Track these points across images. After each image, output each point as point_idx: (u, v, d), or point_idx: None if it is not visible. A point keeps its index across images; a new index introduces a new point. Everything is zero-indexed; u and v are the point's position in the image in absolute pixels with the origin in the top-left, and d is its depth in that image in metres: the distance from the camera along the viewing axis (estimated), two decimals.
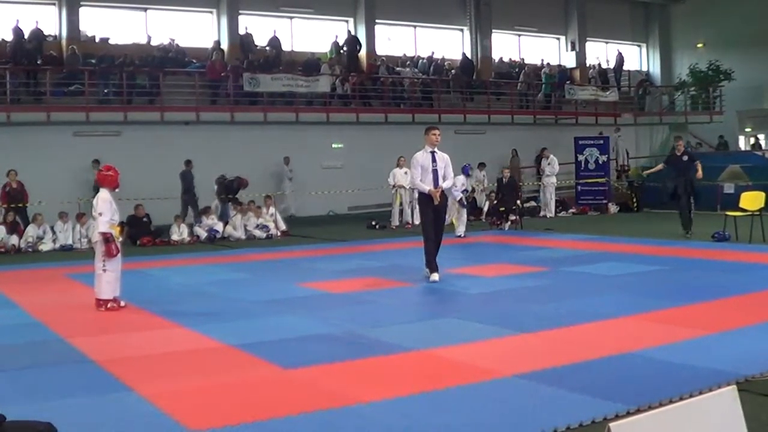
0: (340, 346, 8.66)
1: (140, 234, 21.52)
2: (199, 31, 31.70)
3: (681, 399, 5.98)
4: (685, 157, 19.68)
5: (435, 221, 13.68)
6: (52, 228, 21.04)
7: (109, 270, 11.34)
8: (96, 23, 29.84)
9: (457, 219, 21.71)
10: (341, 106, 31.69)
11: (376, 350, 8.43)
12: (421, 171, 13.59)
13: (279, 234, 22.91)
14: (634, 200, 29.78)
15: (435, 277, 13.44)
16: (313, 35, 34.16)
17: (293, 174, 29.26)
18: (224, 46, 30.99)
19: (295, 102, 29.94)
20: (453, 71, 35.65)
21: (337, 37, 33.97)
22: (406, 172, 25.08)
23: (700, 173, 19.48)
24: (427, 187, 13.48)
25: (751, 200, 19.03)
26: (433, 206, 13.57)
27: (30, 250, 20.34)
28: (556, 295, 11.84)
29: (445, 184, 13.77)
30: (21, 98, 26.03)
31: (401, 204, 25.57)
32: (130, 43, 29.98)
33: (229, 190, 25.06)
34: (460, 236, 21.04)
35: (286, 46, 32.85)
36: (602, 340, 8.63)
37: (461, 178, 22.23)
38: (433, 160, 13.60)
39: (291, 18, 33.86)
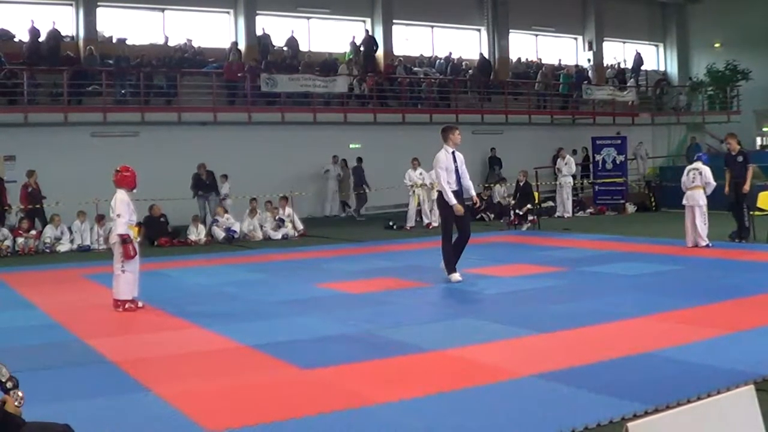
0: (357, 347, 8.67)
1: (158, 234, 21.55)
2: (216, 32, 31.80)
3: (699, 399, 5.95)
4: (740, 158, 18.00)
5: (457, 219, 13.54)
6: (69, 228, 21.11)
7: (128, 271, 11.37)
8: (113, 24, 29.99)
9: None
10: (358, 106, 31.71)
11: (393, 351, 8.42)
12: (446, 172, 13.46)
13: (296, 235, 22.90)
14: (652, 200, 29.68)
15: (457, 277, 13.33)
16: (330, 35, 34.23)
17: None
18: (241, 46, 31.08)
19: (313, 102, 29.99)
20: (470, 71, 35.62)
21: (354, 37, 33.99)
22: (420, 174, 25.08)
23: (747, 186, 17.66)
24: (454, 200, 13.22)
25: None
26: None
27: (47, 251, 20.42)
28: (573, 295, 11.81)
29: (472, 192, 14.03)
30: (38, 99, 26.15)
31: (419, 204, 25.48)
32: (148, 43, 30.12)
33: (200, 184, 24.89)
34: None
35: (303, 47, 32.91)
36: (620, 340, 8.60)
37: None
38: (454, 160, 13.51)
39: (308, 18, 33.94)
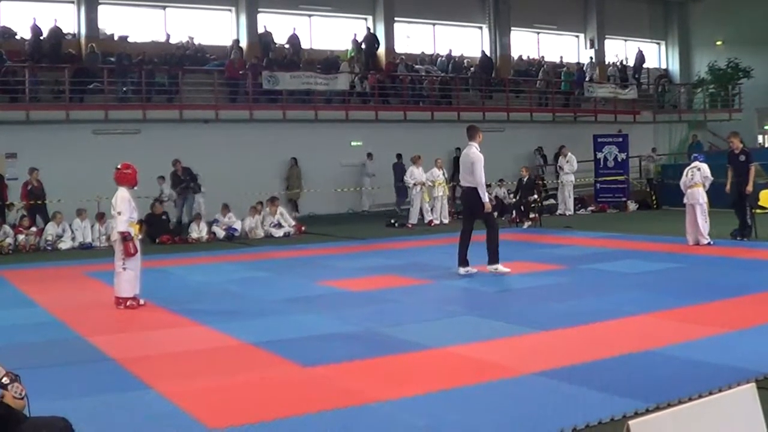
0: (359, 345, 8.67)
1: (159, 232, 21.53)
2: (218, 30, 31.78)
3: (700, 397, 5.95)
4: (742, 157, 17.84)
5: (471, 216, 14.16)
6: (70, 226, 21.09)
7: (129, 268, 11.37)
8: (115, 21, 29.97)
9: None
10: (360, 104, 31.67)
11: (395, 348, 8.43)
12: None
13: (293, 232, 22.75)
14: (654, 198, 29.68)
15: (462, 271, 13.83)
16: (332, 33, 34.20)
17: (375, 170, 30.02)
18: (243, 44, 31.05)
19: (314, 100, 29.97)
20: (472, 69, 35.60)
21: (356, 35, 33.95)
22: (422, 171, 25.03)
23: (749, 186, 17.63)
24: (486, 198, 13.93)
25: None
26: None
27: (49, 248, 20.41)
28: (575, 293, 11.81)
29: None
30: (40, 96, 26.13)
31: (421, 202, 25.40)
32: (149, 41, 30.14)
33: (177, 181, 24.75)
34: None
35: (305, 44, 32.89)
36: (621, 338, 8.60)
37: None
38: None
39: (310, 16, 33.91)
